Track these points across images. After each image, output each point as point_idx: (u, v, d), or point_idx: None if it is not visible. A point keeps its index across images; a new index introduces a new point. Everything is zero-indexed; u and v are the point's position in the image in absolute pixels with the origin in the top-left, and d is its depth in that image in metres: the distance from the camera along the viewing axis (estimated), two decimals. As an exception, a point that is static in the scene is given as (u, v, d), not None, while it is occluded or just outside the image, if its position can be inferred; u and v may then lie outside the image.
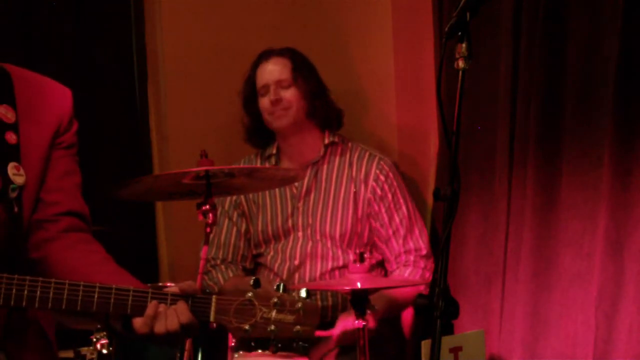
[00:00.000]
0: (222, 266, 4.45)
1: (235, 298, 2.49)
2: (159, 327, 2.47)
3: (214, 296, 2.50)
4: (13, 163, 2.57)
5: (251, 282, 2.51)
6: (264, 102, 4.40)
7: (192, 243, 4.43)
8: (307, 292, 2.52)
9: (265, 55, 4.44)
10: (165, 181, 3.67)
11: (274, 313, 2.48)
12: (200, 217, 3.55)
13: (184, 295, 2.50)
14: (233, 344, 3.73)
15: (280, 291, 2.51)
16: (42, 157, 2.63)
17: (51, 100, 2.69)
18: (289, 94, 4.37)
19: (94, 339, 3.82)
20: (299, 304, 2.50)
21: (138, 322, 2.48)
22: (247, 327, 2.48)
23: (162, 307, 2.48)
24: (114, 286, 2.46)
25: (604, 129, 3.64)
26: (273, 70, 4.39)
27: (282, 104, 4.36)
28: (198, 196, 3.55)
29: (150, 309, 2.47)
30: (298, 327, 2.49)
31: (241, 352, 3.83)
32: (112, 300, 2.45)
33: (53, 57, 4.59)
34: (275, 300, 2.49)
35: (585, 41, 3.75)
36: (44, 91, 2.70)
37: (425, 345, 2.92)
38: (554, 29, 3.85)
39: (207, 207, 3.53)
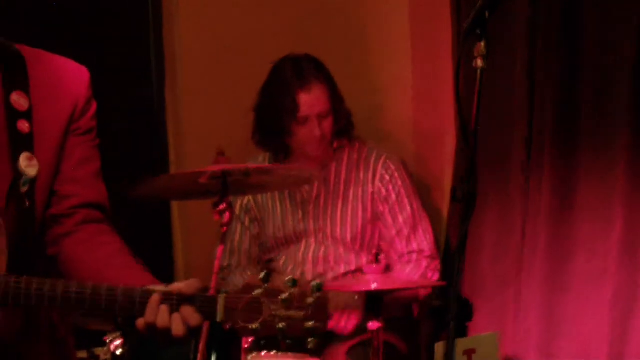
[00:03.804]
0: (238, 271, 4.43)
1: (243, 296, 2.36)
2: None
3: (221, 295, 2.36)
4: (26, 153, 2.44)
5: (261, 276, 2.38)
6: (304, 132, 4.27)
7: (208, 243, 4.42)
8: (319, 285, 2.37)
9: (305, 82, 4.26)
10: (182, 180, 3.67)
11: (283, 310, 2.35)
12: (217, 217, 3.53)
13: (190, 296, 2.37)
14: (247, 345, 3.73)
15: (291, 286, 2.37)
16: (57, 145, 2.51)
17: (66, 82, 2.56)
18: (327, 125, 4.29)
19: (108, 340, 3.83)
20: (310, 299, 2.36)
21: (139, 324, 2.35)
22: (255, 326, 2.35)
23: (164, 308, 2.34)
24: (105, 285, 2.33)
25: (620, 130, 3.64)
26: (315, 103, 4.25)
27: (323, 137, 4.30)
28: (214, 195, 3.54)
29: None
30: (309, 323, 2.35)
31: (254, 354, 3.83)
32: (103, 300, 2.32)
33: (70, 57, 4.58)
34: (285, 296, 2.36)
35: (601, 40, 3.75)
36: (59, 73, 2.57)
37: (439, 348, 2.92)
38: (570, 26, 3.84)
39: (223, 206, 3.52)
